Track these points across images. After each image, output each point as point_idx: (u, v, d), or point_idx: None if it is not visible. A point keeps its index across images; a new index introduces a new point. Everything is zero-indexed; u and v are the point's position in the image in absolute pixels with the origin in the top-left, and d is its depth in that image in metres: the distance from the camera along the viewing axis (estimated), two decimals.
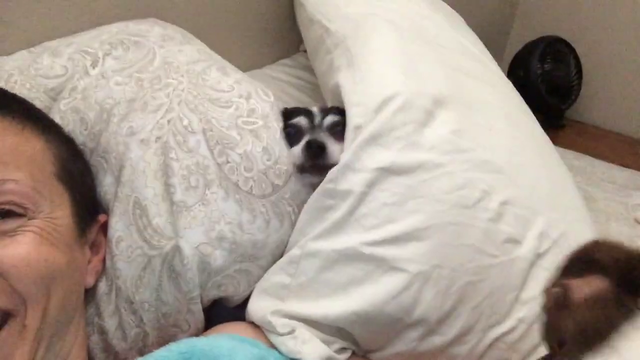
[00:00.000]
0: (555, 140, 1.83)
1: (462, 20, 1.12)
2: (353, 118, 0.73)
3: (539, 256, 0.72)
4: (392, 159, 0.69)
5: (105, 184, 0.68)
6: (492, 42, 1.05)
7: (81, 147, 0.69)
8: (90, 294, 0.66)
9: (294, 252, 0.69)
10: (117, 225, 0.65)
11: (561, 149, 1.64)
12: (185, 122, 0.69)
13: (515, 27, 2.27)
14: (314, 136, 0.75)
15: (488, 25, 1.92)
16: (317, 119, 0.78)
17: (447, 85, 0.80)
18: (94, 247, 0.65)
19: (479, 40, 1.06)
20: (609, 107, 2.15)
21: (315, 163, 0.72)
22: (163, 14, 0.93)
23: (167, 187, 0.66)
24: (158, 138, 0.68)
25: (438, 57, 0.86)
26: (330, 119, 0.78)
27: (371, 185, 0.68)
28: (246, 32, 1.15)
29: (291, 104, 0.86)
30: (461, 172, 0.71)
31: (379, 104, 0.72)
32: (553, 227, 0.74)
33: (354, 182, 0.68)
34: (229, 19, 1.09)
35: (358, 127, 0.71)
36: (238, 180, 0.68)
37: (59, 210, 0.58)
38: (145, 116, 0.69)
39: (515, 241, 0.71)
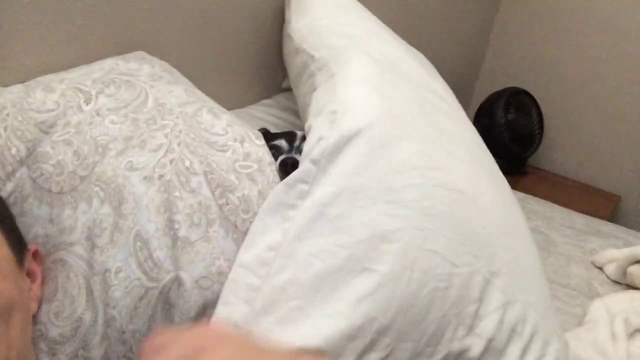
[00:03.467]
0: (518, 186, 1.92)
1: (435, 70, 1.20)
2: (317, 128, 0.77)
3: (492, 274, 0.76)
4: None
5: (101, 213, 0.69)
6: (460, 91, 1.12)
7: (71, 174, 0.71)
8: (74, 326, 0.66)
9: None
10: (117, 256, 0.67)
11: (523, 195, 1.73)
12: (187, 164, 0.73)
13: (482, 78, 2.40)
14: (290, 155, 0.79)
15: (456, 76, 2.02)
16: (297, 142, 0.83)
17: (417, 112, 0.85)
18: (30, 275, 0.67)
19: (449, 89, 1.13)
20: (568, 156, 2.27)
21: None
22: (151, 48, 0.96)
23: (171, 222, 0.69)
24: (161, 176, 0.71)
25: (409, 91, 0.92)
26: None
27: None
28: (231, 71, 1.19)
29: None
30: (430, 187, 0.76)
31: (351, 119, 0.76)
32: (505, 250, 0.80)
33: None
34: (215, 57, 1.14)
35: (321, 138, 0.75)
36: (236, 221, 0.73)
37: None
38: (145, 154, 0.72)
39: (473, 255, 0.76)
